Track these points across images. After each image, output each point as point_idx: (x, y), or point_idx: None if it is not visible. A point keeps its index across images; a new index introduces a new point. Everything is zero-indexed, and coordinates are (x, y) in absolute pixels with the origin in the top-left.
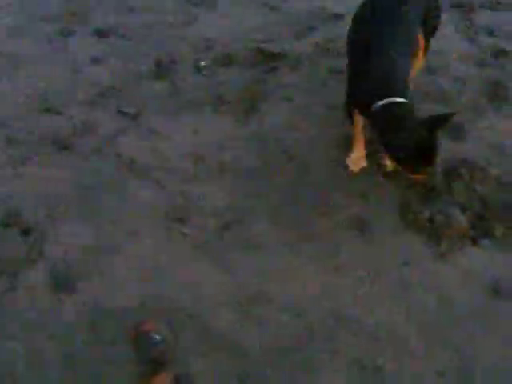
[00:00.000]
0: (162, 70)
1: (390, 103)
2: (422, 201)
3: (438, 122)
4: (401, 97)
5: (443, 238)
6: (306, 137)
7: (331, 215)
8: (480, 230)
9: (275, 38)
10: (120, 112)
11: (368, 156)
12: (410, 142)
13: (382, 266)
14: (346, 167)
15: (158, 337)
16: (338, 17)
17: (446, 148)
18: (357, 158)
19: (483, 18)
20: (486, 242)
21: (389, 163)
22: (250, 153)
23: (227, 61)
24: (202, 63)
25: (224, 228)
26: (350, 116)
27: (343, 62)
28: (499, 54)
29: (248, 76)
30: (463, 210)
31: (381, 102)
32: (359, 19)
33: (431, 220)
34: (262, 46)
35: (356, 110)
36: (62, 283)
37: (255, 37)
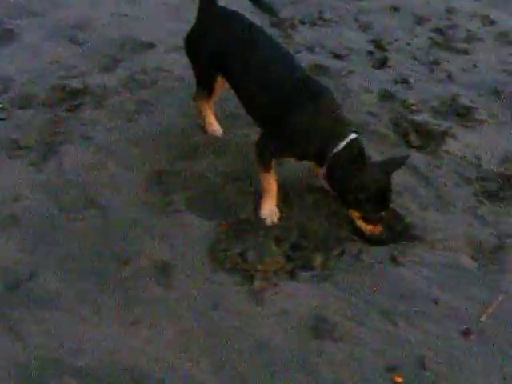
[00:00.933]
0: None
1: (349, 145)
2: (232, 237)
3: (395, 164)
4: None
5: (256, 275)
6: (108, 177)
7: (134, 261)
8: (298, 262)
9: (78, 72)
10: None
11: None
12: (373, 185)
13: (188, 314)
14: (264, 220)
15: None
16: (149, 46)
17: None
18: (271, 210)
19: (304, 34)
20: (304, 274)
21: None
22: (46, 200)
23: (26, 102)
24: None
25: (12, 287)
26: (270, 167)
27: (153, 94)
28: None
29: (47, 117)
30: (278, 241)
31: (341, 145)
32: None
33: (243, 257)
34: (65, 82)
35: (273, 163)
36: None
37: (57, 73)
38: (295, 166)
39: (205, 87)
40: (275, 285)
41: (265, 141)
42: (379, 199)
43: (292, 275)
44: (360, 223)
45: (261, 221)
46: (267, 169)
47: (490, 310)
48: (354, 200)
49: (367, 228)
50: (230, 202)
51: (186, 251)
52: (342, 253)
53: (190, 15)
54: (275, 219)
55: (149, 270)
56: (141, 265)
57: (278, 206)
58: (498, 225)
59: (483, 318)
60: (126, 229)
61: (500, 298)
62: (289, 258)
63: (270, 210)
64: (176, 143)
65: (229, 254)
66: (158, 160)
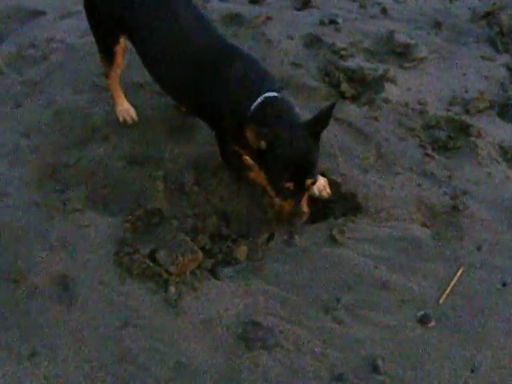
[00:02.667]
0: None
1: (260, 106)
2: (141, 234)
3: (319, 120)
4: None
5: (170, 278)
6: None
7: (27, 279)
8: (219, 255)
9: None
10: None
11: None
12: (285, 148)
13: (93, 337)
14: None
15: None
16: (38, 14)
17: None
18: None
19: None
20: (227, 270)
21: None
22: None
23: None
24: None
25: None
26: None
27: (43, 72)
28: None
29: None
30: (194, 233)
31: (252, 108)
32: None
33: (153, 258)
34: None
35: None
36: None
37: None
38: (210, 140)
39: (106, 54)
40: (194, 288)
41: (221, 144)
42: (294, 165)
43: (213, 273)
44: (279, 202)
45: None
46: (241, 172)
47: (449, 289)
48: (267, 167)
49: (286, 208)
50: (136, 190)
51: (87, 259)
52: (270, 238)
53: None
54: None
55: (45, 286)
56: (36, 282)
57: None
58: (451, 181)
59: (442, 300)
60: (14, 239)
61: (459, 272)
62: (208, 253)
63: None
64: (71, 127)
65: (136, 256)
66: (51, 150)
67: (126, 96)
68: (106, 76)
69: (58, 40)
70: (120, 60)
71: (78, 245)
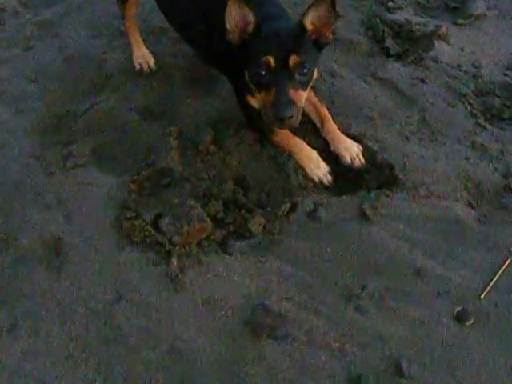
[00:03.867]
0: None
1: None
2: (147, 197)
3: None
4: None
5: (173, 250)
6: None
7: (17, 241)
8: (231, 227)
9: None
10: None
11: None
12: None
13: (82, 312)
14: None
15: None
16: None
17: None
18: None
19: None
20: (240, 244)
21: None
22: None
23: None
24: None
25: None
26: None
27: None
28: None
29: None
30: (206, 198)
31: None
32: None
33: (156, 225)
34: None
35: None
36: None
37: None
38: (232, 94)
39: None
40: (199, 262)
41: (239, 97)
42: (276, 39)
43: (223, 246)
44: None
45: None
46: (267, 128)
47: (493, 282)
48: (247, 51)
49: (269, 101)
50: (147, 147)
51: (84, 222)
52: (292, 210)
53: None
54: (328, 178)
55: (36, 250)
56: (25, 244)
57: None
58: (504, 156)
59: (484, 294)
60: (7, 195)
61: (508, 262)
62: (219, 223)
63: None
64: (83, 74)
65: (138, 222)
66: (59, 99)
67: (145, 42)
68: (123, 16)
69: None
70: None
71: (75, 205)
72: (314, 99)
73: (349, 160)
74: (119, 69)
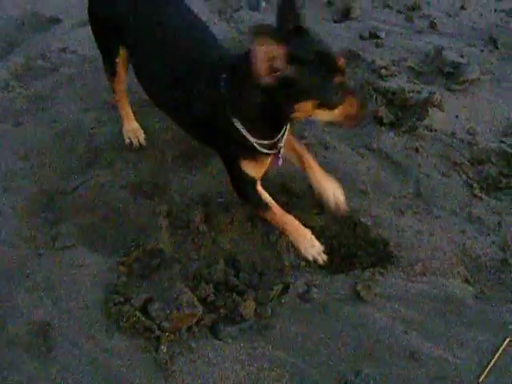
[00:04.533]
0: None
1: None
2: (136, 280)
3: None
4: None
5: (162, 336)
6: None
7: (5, 325)
8: (222, 310)
9: None
10: None
11: None
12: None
13: None
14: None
15: None
16: (54, 21)
17: None
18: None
19: None
20: (230, 329)
21: None
22: None
23: None
24: None
25: None
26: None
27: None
28: None
29: None
30: (196, 280)
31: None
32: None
33: (144, 310)
34: None
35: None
36: None
37: None
38: (220, 168)
39: (107, 65)
40: (189, 348)
41: (233, 172)
42: (326, 55)
43: (213, 331)
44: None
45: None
46: (261, 204)
47: (492, 363)
48: (306, 85)
49: (354, 106)
50: (137, 226)
51: (72, 306)
52: (284, 291)
53: None
54: (323, 257)
55: (23, 337)
56: (13, 331)
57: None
58: (501, 228)
59: (483, 377)
60: None
61: (506, 342)
62: (209, 306)
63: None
64: (73, 149)
65: (126, 307)
66: (49, 176)
67: (136, 115)
68: (113, 90)
69: (70, 51)
70: (122, 73)
71: (64, 288)
72: (293, 141)
73: (332, 205)
74: (110, 143)
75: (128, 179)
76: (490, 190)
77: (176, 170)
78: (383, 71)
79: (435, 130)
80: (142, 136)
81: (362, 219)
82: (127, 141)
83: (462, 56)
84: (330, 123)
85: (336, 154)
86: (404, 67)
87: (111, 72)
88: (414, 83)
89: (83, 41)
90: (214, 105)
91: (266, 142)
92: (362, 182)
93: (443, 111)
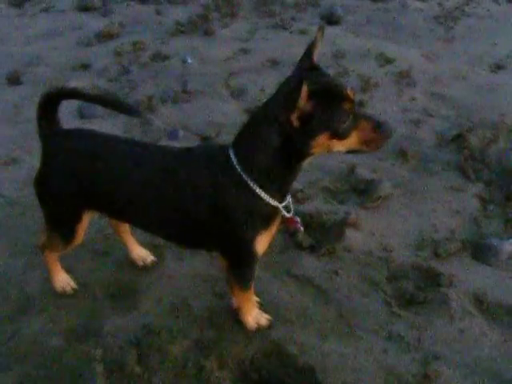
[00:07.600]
0: None
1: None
2: None
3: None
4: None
5: None
6: None
7: None
8: None
9: None
10: None
11: None
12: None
13: None
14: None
15: None
16: None
17: None
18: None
19: None
20: None
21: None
22: None
23: None
24: None
25: None
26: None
27: None
28: None
29: None
30: None
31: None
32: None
33: None
34: None
35: None
36: None
37: None
38: (155, 307)
39: (61, 232)
40: None
41: (241, 255)
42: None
43: None
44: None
45: None
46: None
47: None
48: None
49: (371, 129)
50: (73, 374)
51: None
52: None
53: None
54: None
55: None
56: None
57: None
58: (420, 343)
59: None
60: None
61: None
62: None
63: (254, 313)
64: (5, 297)
65: None
66: None
67: (65, 258)
68: (49, 249)
69: None
70: (80, 238)
71: None
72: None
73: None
74: (41, 289)
75: (61, 325)
76: (408, 305)
77: (107, 311)
78: (299, 194)
79: (353, 251)
80: (72, 283)
81: (289, 348)
82: (59, 290)
83: (374, 171)
84: (354, 152)
85: (259, 282)
86: (319, 188)
87: (68, 237)
88: (330, 203)
89: (7, 182)
90: (220, 185)
91: (281, 203)
92: (286, 310)
93: (359, 230)
